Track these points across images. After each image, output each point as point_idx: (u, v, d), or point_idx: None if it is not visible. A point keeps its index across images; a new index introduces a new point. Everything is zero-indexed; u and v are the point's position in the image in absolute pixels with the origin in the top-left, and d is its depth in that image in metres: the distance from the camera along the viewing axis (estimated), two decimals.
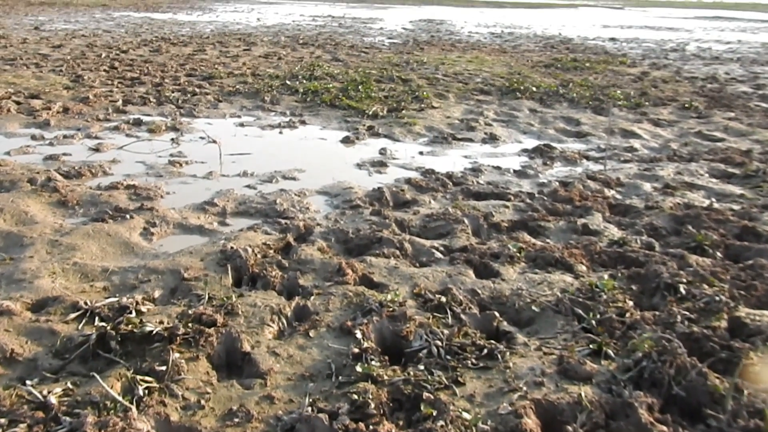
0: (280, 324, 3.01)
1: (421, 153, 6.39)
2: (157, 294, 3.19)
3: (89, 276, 3.33)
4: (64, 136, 6.18)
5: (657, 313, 3.12)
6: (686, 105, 9.09)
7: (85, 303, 2.93)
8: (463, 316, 3.08)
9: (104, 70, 10.28)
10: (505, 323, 3.09)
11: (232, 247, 3.66)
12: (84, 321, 2.84)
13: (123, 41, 15.10)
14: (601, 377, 2.59)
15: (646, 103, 9.18)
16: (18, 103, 7.50)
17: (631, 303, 3.23)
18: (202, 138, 6.46)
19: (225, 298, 3.11)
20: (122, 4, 35.75)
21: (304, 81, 9.92)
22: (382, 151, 6.30)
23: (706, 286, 3.41)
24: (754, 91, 10.82)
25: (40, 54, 11.91)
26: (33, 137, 6.13)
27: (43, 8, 27.49)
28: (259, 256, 3.65)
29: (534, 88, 9.92)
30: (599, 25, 35.08)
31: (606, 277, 3.54)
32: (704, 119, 8.29)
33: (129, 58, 12.07)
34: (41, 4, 30.26)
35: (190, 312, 2.92)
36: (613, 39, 23.36)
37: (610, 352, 2.77)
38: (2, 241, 3.69)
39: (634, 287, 3.45)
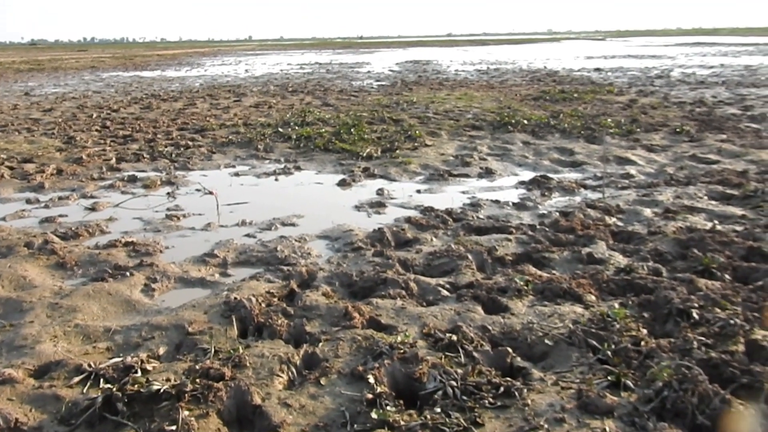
0: (290, 373, 2.93)
1: (418, 191, 6.38)
2: (162, 351, 3.11)
3: (92, 337, 3.26)
4: (60, 198, 6.15)
5: (672, 340, 3.06)
6: (678, 129, 9.15)
7: (89, 365, 2.85)
8: (475, 354, 3.01)
9: (96, 130, 10.33)
10: (519, 359, 3.02)
11: (235, 298, 3.60)
12: (89, 384, 2.76)
13: (113, 100, 15.24)
14: (622, 410, 2.51)
15: (638, 130, 9.24)
16: (11, 168, 7.50)
17: (644, 331, 3.17)
18: (198, 190, 6.45)
19: (232, 351, 3.04)
20: (111, 64, 36.25)
21: (296, 127, 9.98)
22: (380, 192, 6.29)
23: (718, 310, 3.35)
24: (743, 113, 10.92)
25: (31, 118, 11.99)
26: (28, 201, 6.10)
27: (33, 74, 27.82)
28: (263, 305, 3.59)
29: (525, 121, 9.99)
30: (583, 57, 35.68)
31: (616, 305, 3.48)
32: (697, 142, 8.33)
33: (120, 116, 12.16)
34: (30, 71, 30.65)
35: (196, 367, 2.85)
36: (598, 69, 23.72)
37: (629, 382, 2.70)
38: (1, 308, 3.62)
39: (645, 315, 3.40)
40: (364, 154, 7.95)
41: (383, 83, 19.44)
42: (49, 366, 2.94)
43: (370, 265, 4.24)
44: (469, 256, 4.33)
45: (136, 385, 2.65)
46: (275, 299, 3.73)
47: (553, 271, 4.14)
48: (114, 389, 2.62)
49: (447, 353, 3.02)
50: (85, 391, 2.72)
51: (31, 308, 3.56)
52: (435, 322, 3.37)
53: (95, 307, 3.61)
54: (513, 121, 10.02)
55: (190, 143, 8.95)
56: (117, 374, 2.82)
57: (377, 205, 5.82)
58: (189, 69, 30.91)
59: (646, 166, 7.18)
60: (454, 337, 3.14)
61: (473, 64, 30.04)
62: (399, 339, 3.11)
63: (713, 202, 5.59)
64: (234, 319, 3.41)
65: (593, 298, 3.66)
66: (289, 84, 19.70)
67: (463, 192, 6.30)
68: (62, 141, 9.28)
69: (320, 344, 3.15)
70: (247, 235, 5.00)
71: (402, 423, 2.46)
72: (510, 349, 3.07)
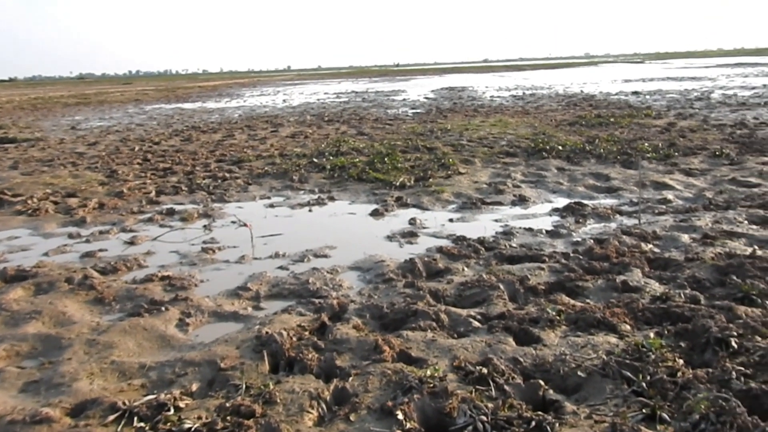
0: (320, 409, 2.94)
1: (450, 220, 6.37)
2: (194, 387, 3.15)
3: (127, 374, 3.31)
4: (100, 232, 6.31)
5: (710, 370, 2.98)
6: (717, 153, 8.97)
7: (123, 403, 2.90)
8: (506, 387, 2.98)
9: (137, 163, 10.61)
10: (551, 391, 2.97)
11: (266, 332, 3.63)
12: (123, 422, 2.80)
13: (155, 133, 15.64)
14: None
15: (676, 154, 9.09)
16: (55, 203, 7.73)
17: (681, 361, 3.09)
18: (233, 222, 6.55)
19: (263, 387, 3.06)
20: (154, 97, 37.27)
21: (331, 157, 10.09)
22: (412, 222, 6.30)
23: (758, 338, 3.26)
24: None
25: (76, 153, 12.37)
26: (70, 235, 6.28)
27: (79, 108, 28.76)
28: (294, 338, 3.61)
29: (560, 147, 9.93)
30: (620, 80, 35.37)
31: (652, 335, 3.41)
32: (737, 165, 8.16)
33: (161, 149, 12.47)
34: (77, 104, 31.69)
35: (227, 405, 2.87)
36: (635, 92, 23.46)
37: (665, 415, 2.64)
38: (41, 345, 3.71)
39: (682, 344, 3.32)
40: (398, 183, 7.99)
41: (418, 111, 19.55)
42: (85, 404, 2.99)
43: (401, 297, 4.23)
44: (501, 286, 4.30)
45: (168, 424, 2.69)
46: (306, 333, 3.74)
47: (587, 300, 4.08)
48: (147, 428, 2.66)
49: (477, 386, 2.99)
50: (119, 429, 2.76)
51: (70, 345, 3.65)
52: (465, 355, 3.35)
53: (131, 343, 3.68)
54: (547, 147, 9.96)
55: (228, 175, 9.12)
56: (150, 412, 2.86)
57: (409, 235, 5.83)
58: (228, 100, 31.58)
59: (684, 190, 7.05)
60: (485, 370, 3.11)
61: (509, 90, 30.04)
62: (429, 373, 3.09)
63: (754, 227, 5.45)
64: (265, 354, 3.44)
65: (628, 327, 3.59)
66: (325, 113, 19.96)
67: (496, 220, 6.27)
68: (105, 175, 9.54)
69: (350, 379, 3.15)
70: (280, 268, 5.05)
71: None
72: (542, 382, 3.02)
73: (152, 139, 14.27)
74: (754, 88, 22.95)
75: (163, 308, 4.16)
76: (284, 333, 3.61)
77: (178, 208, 7.28)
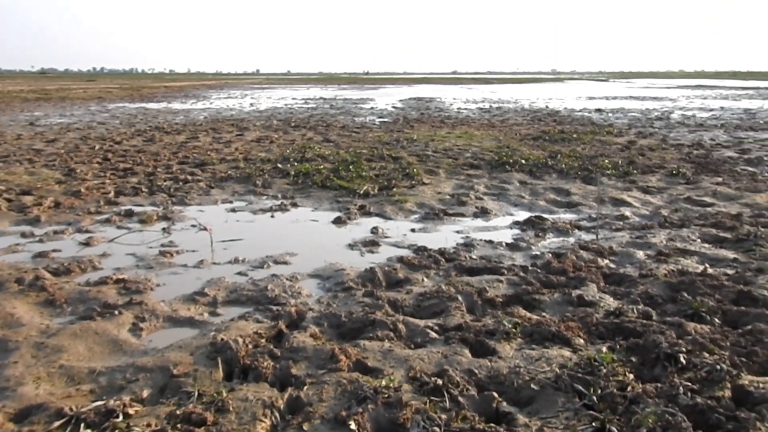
0: (273, 418, 2.91)
1: (413, 230, 6.39)
2: (145, 394, 3.09)
3: (75, 379, 3.24)
4: (55, 232, 6.16)
5: (659, 385, 3.04)
6: (674, 171, 9.19)
7: (70, 409, 2.83)
8: (460, 399, 2.99)
9: (97, 163, 10.41)
10: (504, 404, 3.00)
11: (222, 339, 3.59)
12: (69, 429, 2.73)
13: (117, 132, 15.38)
14: None
15: (635, 171, 9.28)
16: (9, 200, 7.53)
17: (631, 376, 3.15)
18: (193, 226, 6.47)
19: (215, 394, 3.02)
20: (118, 95, 36.68)
21: (296, 163, 10.05)
22: (374, 231, 6.30)
23: (706, 354, 3.34)
24: (740, 156, 10.99)
25: (33, 149, 12.09)
26: (23, 234, 6.12)
27: (39, 103, 28.14)
28: (250, 346, 3.58)
29: (523, 161, 10.05)
30: (585, 97, 36.02)
31: (605, 349, 3.47)
32: (693, 185, 8.36)
33: (122, 148, 12.26)
34: (37, 100, 31.01)
35: (178, 412, 2.83)
36: (599, 110, 23.91)
37: (614, 429, 2.67)
38: None
39: (633, 359, 3.38)
40: (361, 192, 7.99)
41: (385, 120, 19.61)
42: (30, 409, 2.91)
43: (360, 306, 4.23)
44: (459, 298, 4.32)
45: (116, 431, 2.64)
46: (263, 340, 3.71)
47: (543, 314, 4.13)
48: None
49: (432, 397, 3.00)
50: None
51: (17, 348, 3.54)
52: (421, 365, 3.35)
53: (81, 347, 3.59)
54: (511, 160, 10.08)
55: (190, 178, 9.01)
56: (98, 418, 2.79)
57: (371, 244, 5.83)
58: (195, 101, 31.23)
59: (641, 207, 7.20)
60: (440, 381, 3.12)
61: (476, 102, 30.34)
62: (384, 383, 3.09)
63: (706, 245, 5.59)
64: (220, 361, 3.40)
65: (582, 341, 3.65)
66: (292, 119, 19.88)
67: (458, 231, 6.31)
68: (62, 173, 9.33)
69: (305, 388, 3.13)
70: (239, 273, 5.00)
71: None
72: (496, 394, 3.04)
73: (114, 138, 14.02)
74: (712, 110, 23.59)
75: (116, 312, 4.08)
76: (240, 340, 3.57)
77: (137, 209, 7.16)
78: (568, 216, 6.92)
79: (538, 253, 5.52)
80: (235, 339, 3.57)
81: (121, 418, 2.78)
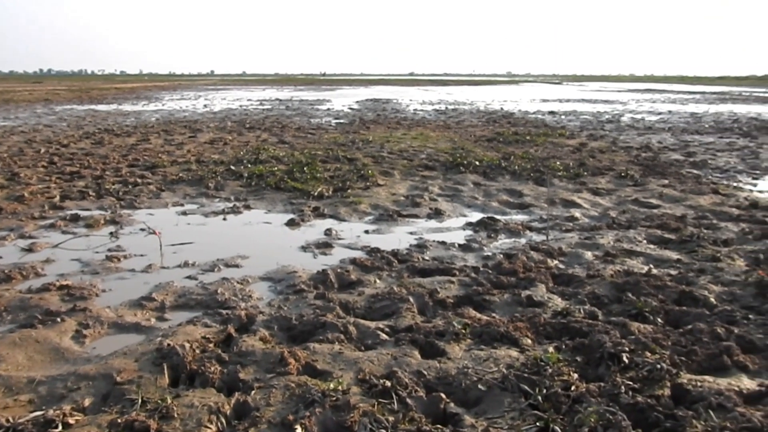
0: (219, 424, 2.87)
1: (366, 232, 6.39)
2: (87, 402, 3.01)
3: (14, 389, 3.13)
4: None
5: (602, 384, 3.10)
6: (623, 174, 9.40)
7: (7, 420, 2.74)
8: (408, 401, 3.00)
9: (42, 166, 10.11)
10: (452, 405, 3.01)
11: (168, 344, 3.53)
12: None
13: (64, 135, 15.00)
14: None
15: (585, 173, 9.46)
16: None
17: (576, 375, 3.20)
18: (142, 230, 6.34)
19: (160, 401, 2.96)
20: (66, 97, 35.77)
21: (249, 165, 9.95)
22: (327, 232, 6.28)
23: (648, 354, 3.42)
24: (686, 159, 11.31)
25: None
26: None
27: None
28: (197, 351, 3.52)
29: (477, 162, 10.15)
30: (539, 100, 36.57)
31: (551, 349, 3.52)
32: (640, 187, 8.56)
33: (69, 152, 11.96)
34: None
35: (120, 420, 2.76)
36: (552, 112, 24.31)
37: (558, 428, 2.71)
38: None
39: (579, 358, 3.44)
40: (316, 194, 7.95)
41: (342, 121, 19.58)
42: None
43: (311, 308, 4.21)
44: (411, 299, 4.34)
45: None
46: (211, 345, 3.66)
47: (493, 314, 4.17)
48: None
49: (380, 400, 3.00)
50: None
51: None
52: (371, 367, 3.35)
53: (20, 356, 3.48)
54: (465, 162, 10.17)
55: (139, 180, 8.83)
56: (36, 429, 2.71)
57: (324, 246, 5.81)
58: (147, 103, 30.66)
59: (590, 209, 7.34)
60: (389, 383, 3.12)
61: (432, 104, 30.52)
62: (332, 386, 3.08)
63: (651, 246, 5.72)
64: (165, 367, 3.34)
65: (529, 341, 3.70)
66: (247, 120, 19.68)
67: (411, 233, 6.33)
68: (5, 177, 9.03)
69: (252, 392, 3.09)
70: (189, 277, 4.92)
71: None
72: (444, 395, 3.06)
73: (60, 141, 13.65)
74: (660, 113, 24.20)
75: (58, 319, 3.96)
76: (187, 345, 3.52)
77: (83, 213, 6.98)
78: (520, 217, 7.01)
79: (489, 254, 5.57)
80: (182, 344, 3.51)
81: (60, 428, 2.70)
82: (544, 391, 3.02)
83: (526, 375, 3.18)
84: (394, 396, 3.03)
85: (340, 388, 3.08)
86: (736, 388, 3.07)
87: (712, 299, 4.31)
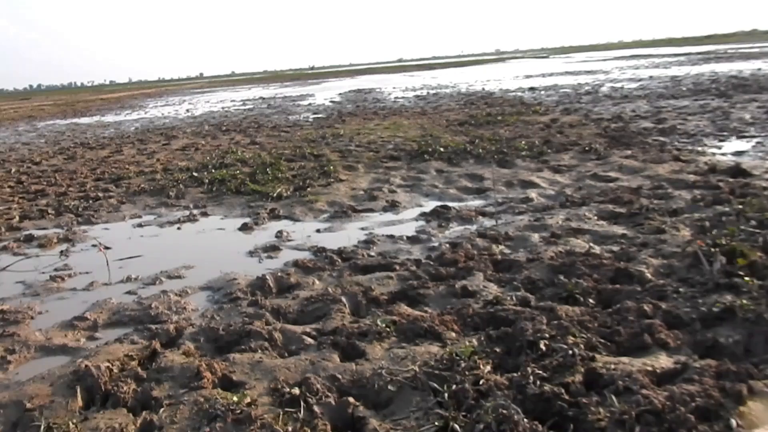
0: None
1: (318, 231, 6.34)
2: None
3: None
4: None
5: (514, 375, 3.05)
6: (587, 148, 9.30)
7: None
8: (316, 408, 2.96)
9: (9, 187, 10.07)
10: (361, 408, 2.97)
11: (84, 366, 3.49)
12: None
13: (39, 152, 14.96)
14: None
15: (549, 151, 9.37)
16: None
17: (488, 368, 3.15)
18: (94, 246, 6.30)
19: (63, 427, 2.94)
20: (50, 113, 35.69)
21: (213, 170, 9.89)
22: (278, 235, 6.23)
23: (570, 338, 3.36)
24: (655, 126, 11.20)
25: None
26: None
27: None
28: (116, 370, 3.49)
29: (442, 149, 10.06)
30: (522, 76, 36.38)
31: (468, 342, 3.47)
32: (602, 160, 8.47)
33: (40, 169, 11.92)
34: None
35: None
36: (532, 88, 24.14)
37: (458, 426, 2.67)
38: None
39: (499, 349, 3.38)
40: (274, 195, 7.90)
41: (320, 116, 19.49)
42: None
43: (240, 317, 4.17)
44: (343, 299, 4.29)
45: None
46: (134, 362, 3.63)
47: (426, 308, 4.11)
48: None
49: (287, 409, 2.96)
50: None
51: None
52: (287, 375, 3.32)
53: None
54: (430, 149, 10.07)
55: (101, 195, 8.79)
56: None
57: (271, 249, 5.76)
58: (129, 112, 30.58)
59: (548, 188, 7.27)
60: (297, 391, 3.08)
61: (414, 90, 30.35)
62: (236, 399, 3.05)
63: (600, 222, 5.65)
64: (79, 390, 3.31)
65: (454, 335, 3.65)
66: (225, 122, 19.60)
67: (363, 228, 6.28)
68: None
69: (161, 410, 3.06)
70: (128, 293, 4.89)
71: None
72: (352, 399, 3.02)
73: (33, 159, 13.60)
74: (641, 80, 24.01)
75: None
76: (103, 366, 3.48)
77: (38, 233, 6.94)
78: (475, 203, 6.95)
79: (436, 244, 5.51)
80: (98, 365, 3.47)
81: None
82: (453, 387, 2.98)
83: (437, 372, 3.14)
84: (301, 404, 2.99)
85: (245, 400, 3.04)
86: (649, 368, 3.02)
87: (648, 274, 4.24)
